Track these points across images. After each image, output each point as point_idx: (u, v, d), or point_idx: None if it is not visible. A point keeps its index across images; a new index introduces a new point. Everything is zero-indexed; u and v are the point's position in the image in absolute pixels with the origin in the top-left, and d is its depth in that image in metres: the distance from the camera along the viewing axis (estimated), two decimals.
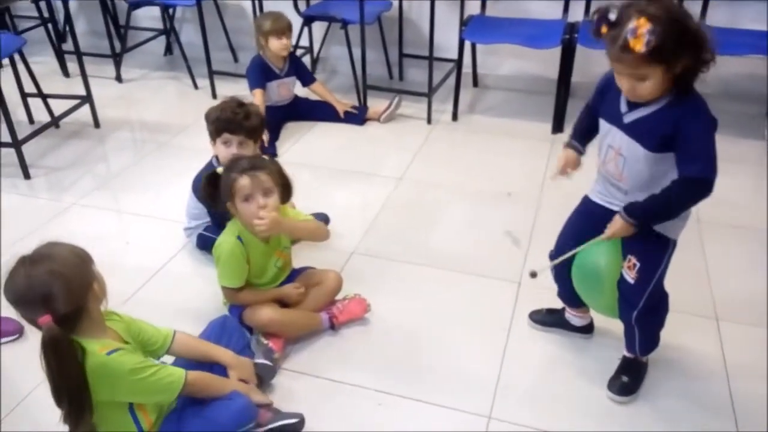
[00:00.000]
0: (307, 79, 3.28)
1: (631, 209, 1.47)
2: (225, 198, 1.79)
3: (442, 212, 2.57)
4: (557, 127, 3.17)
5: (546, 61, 3.41)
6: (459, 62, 3.26)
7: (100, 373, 1.32)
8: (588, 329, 1.92)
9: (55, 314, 1.26)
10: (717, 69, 3.06)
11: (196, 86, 3.67)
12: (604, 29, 1.36)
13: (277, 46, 3.05)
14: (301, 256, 2.16)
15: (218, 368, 1.62)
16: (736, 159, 2.90)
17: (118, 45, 3.79)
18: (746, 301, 2.06)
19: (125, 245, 2.37)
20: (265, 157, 1.89)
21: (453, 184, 2.76)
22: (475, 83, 3.71)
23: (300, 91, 3.31)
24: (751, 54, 2.92)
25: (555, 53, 3.09)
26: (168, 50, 4.13)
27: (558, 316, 1.94)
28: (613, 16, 1.33)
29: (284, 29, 3.05)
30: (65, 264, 1.31)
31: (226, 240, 1.82)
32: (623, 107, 1.48)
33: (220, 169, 1.83)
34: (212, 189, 1.82)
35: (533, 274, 1.64)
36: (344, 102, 3.31)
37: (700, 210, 2.51)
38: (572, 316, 1.91)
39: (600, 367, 1.80)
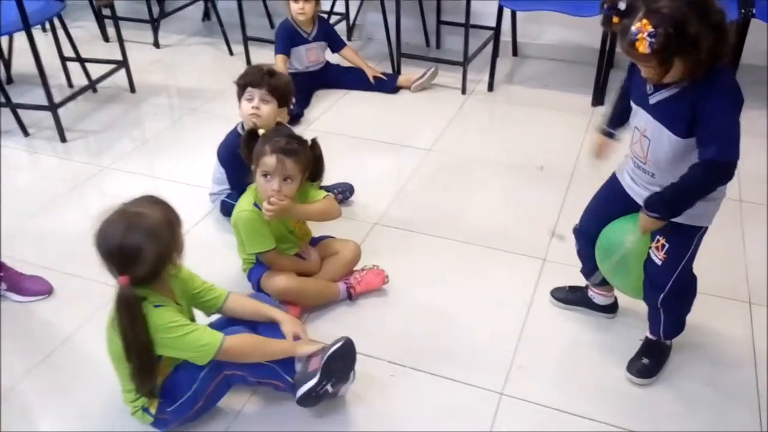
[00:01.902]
0: (337, 44, 3.23)
1: (649, 203, 1.41)
2: (252, 162, 1.79)
3: (470, 185, 2.52)
4: (597, 100, 3.05)
5: (589, 30, 3.28)
6: (497, 30, 3.16)
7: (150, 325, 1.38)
8: (612, 309, 1.86)
9: (133, 276, 1.34)
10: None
11: (231, 52, 3.67)
12: (615, 20, 1.28)
13: (294, 8, 3.01)
14: (324, 225, 2.16)
15: (264, 329, 1.61)
16: (762, 132, 2.74)
17: (156, 10, 3.81)
18: None
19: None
20: (301, 138, 1.83)
21: (484, 156, 2.69)
22: (515, 52, 3.60)
23: (331, 58, 3.27)
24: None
25: (598, 21, 2.95)
26: (206, 15, 4.14)
27: (581, 294, 1.89)
28: (622, 5, 1.25)
29: None
30: (158, 231, 1.36)
31: (242, 208, 1.82)
32: (648, 88, 1.40)
33: (262, 131, 1.83)
34: (247, 148, 1.81)
35: (560, 237, 1.58)
36: (374, 68, 3.26)
37: (743, 189, 2.39)
38: (596, 295, 1.85)
39: (622, 348, 1.75)
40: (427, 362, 1.74)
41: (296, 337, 1.60)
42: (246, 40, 3.50)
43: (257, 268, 1.89)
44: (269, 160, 1.73)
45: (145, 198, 1.42)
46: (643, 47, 1.22)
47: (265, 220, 1.80)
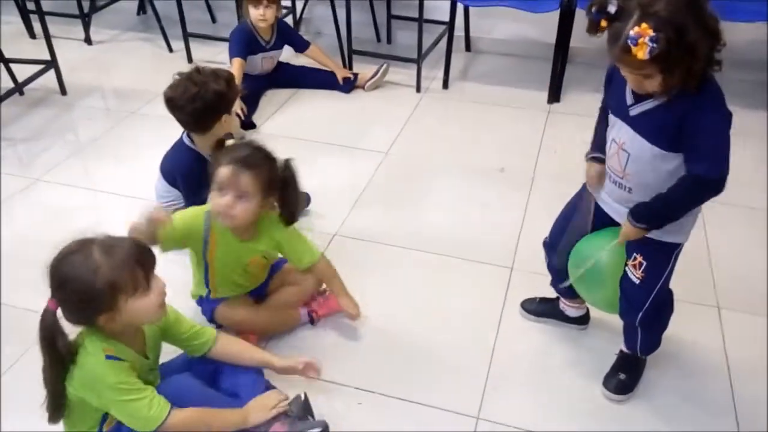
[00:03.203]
0: (300, 45, 3.06)
1: (636, 213, 1.35)
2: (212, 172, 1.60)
3: (431, 190, 2.43)
4: (554, 96, 3.00)
5: (543, 25, 3.21)
6: (451, 25, 3.07)
7: (85, 372, 1.26)
8: (583, 320, 1.81)
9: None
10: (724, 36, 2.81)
11: (170, 49, 3.45)
12: (603, 23, 1.21)
13: (254, 15, 2.83)
14: None
15: (226, 377, 1.52)
16: (737, 131, 2.74)
17: (87, 4, 3.55)
18: (748, 288, 1.96)
19: (95, 225, 2.20)
20: (270, 155, 1.64)
21: (443, 158, 2.61)
22: (468, 47, 3.52)
23: (282, 55, 3.11)
24: (752, 20, 2.75)
25: (553, 16, 2.91)
26: (141, 9, 3.89)
27: (552, 306, 1.83)
28: (612, 8, 1.17)
29: None
30: (79, 283, 1.20)
31: (194, 212, 1.65)
32: (629, 99, 1.33)
33: (230, 142, 1.66)
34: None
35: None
36: (344, 69, 3.12)
37: None
38: (567, 307, 1.80)
39: (595, 361, 1.70)
40: (397, 387, 1.64)
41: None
42: (186, 36, 3.29)
43: (208, 302, 1.74)
44: (223, 171, 1.54)
45: (123, 244, 1.27)
46: (642, 53, 1.13)
47: (191, 231, 1.61)
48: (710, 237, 2.16)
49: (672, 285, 1.55)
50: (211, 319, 1.74)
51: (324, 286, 1.85)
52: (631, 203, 1.39)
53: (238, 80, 2.70)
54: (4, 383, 1.64)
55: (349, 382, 1.65)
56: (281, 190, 1.63)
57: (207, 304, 1.74)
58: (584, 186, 1.58)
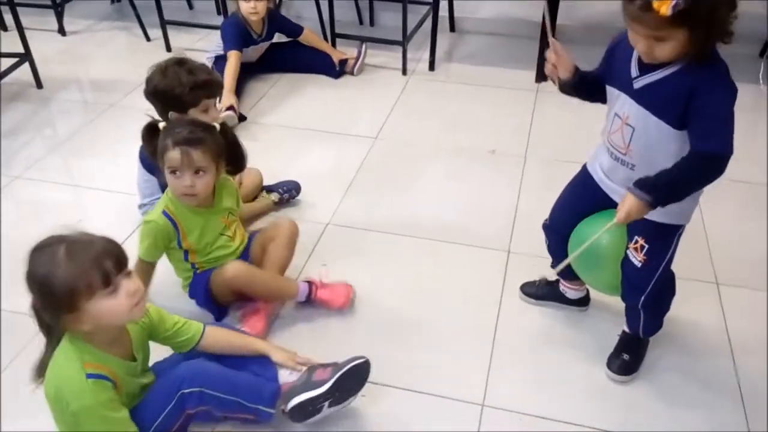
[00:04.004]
0: (294, 31, 2.99)
1: (642, 182, 1.27)
2: (158, 160, 1.63)
3: (422, 174, 2.39)
4: (541, 75, 2.96)
5: (529, 3, 3.19)
6: (435, 5, 3.01)
7: (58, 378, 1.21)
8: (584, 302, 1.80)
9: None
10: None
11: (147, 38, 3.35)
12: None
13: (245, 9, 2.74)
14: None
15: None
16: None
17: None
18: (746, 263, 1.95)
19: (77, 223, 2.13)
20: (216, 125, 1.68)
21: (433, 141, 2.56)
22: (453, 28, 3.46)
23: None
24: None
25: None
26: None
27: (552, 289, 1.80)
28: None
29: None
30: (40, 284, 1.16)
31: (150, 218, 1.66)
32: (633, 71, 1.30)
33: (162, 124, 1.65)
34: (151, 145, 1.64)
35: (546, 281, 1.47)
36: (338, 51, 3.05)
37: None
38: (567, 289, 1.78)
39: (597, 343, 1.69)
40: (400, 377, 1.61)
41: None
42: (164, 23, 3.19)
43: (199, 278, 1.71)
44: (173, 155, 1.57)
45: (84, 243, 1.21)
46: (666, 7, 1.09)
47: (166, 237, 1.65)
48: (705, 212, 2.15)
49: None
50: (206, 301, 1.70)
51: (322, 276, 1.81)
52: (629, 181, 1.35)
53: (235, 73, 2.68)
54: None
55: None
56: (228, 152, 1.67)
57: (198, 283, 1.71)
58: (584, 167, 1.56)
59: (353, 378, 1.44)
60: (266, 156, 2.45)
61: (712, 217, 2.13)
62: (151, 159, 1.68)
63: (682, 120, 1.25)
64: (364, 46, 3.03)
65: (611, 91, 1.37)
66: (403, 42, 2.98)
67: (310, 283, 1.78)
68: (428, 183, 2.34)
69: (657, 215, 1.36)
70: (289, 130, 2.65)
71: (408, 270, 1.95)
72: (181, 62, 1.91)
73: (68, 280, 1.14)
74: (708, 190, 2.20)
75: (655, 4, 1.10)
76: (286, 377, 1.43)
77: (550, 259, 1.72)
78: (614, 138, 1.38)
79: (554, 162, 1.57)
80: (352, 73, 3.01)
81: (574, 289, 1.77)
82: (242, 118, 2.66)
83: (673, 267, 1.54)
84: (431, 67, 3.09)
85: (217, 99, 1.96)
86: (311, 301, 1.78)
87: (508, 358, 1.68)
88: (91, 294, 1.16)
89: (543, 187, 1.64)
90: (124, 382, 1.28)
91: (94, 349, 1.23)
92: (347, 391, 1.44)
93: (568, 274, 1.66)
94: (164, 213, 1.65)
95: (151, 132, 1.65)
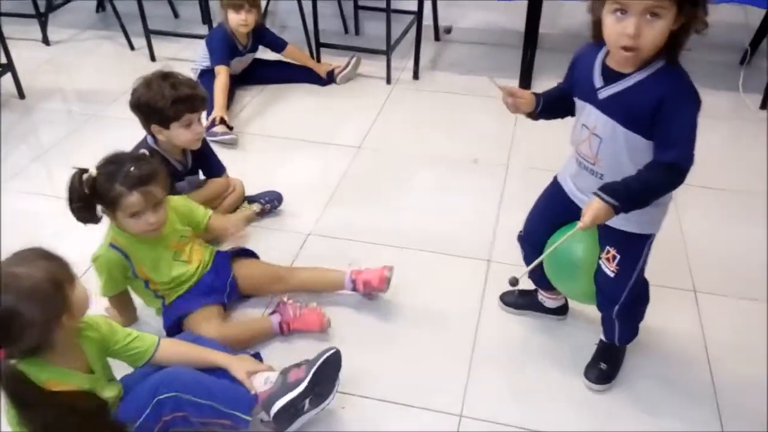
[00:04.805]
0: (277, 46, 2.99)
1: (609, 189, 1.27)
2: (103, 204, 1.56)
3: (404, 183, 2.39)
4: (525, 83, 2.99)
5: (512, 12, 3.20)
6: (419, 14, 3.03)
7: None
8: (562, 311, 1.81)
9: (15, 348, 1.18)
10: None
11: (132, 47, 3.35)
12: None
13: (234, 21, 2.74)
14: (246, 240, 2.01)
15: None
16: (709, 113, 2.74)
17: (43, 3, 3.42)
18: (724, 270, 1.97)
19: (52, 236, 2.13)
20: (144, 151, 1.71)
21: (415, 151, 2.57)
22: (437, 37, 3.48)
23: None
24: (726, 2, 2.77)
25: (521, 3, 2.88)
26: (100, 6, 3.76)
27: (530, 298, 1.81)
28: None
29: (242, 2, 2.69)
30: (37, 293, 1.14)
31: (99, 254, 1.63)
32: (597, 81, 1.31)
33: (93, 171, 1.55)
34: (88, 197, 1.54)
35: (514, 282, 1.47)
36: (325, 63, 3.06)
37: None
38: (546, 298, 1.79)
39: (575, 352, 1.70)
40: (379, 389, 1.61)
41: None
42: (148, 33, 3.19)
43: (169, 314, 1.70)
44: (133, 200, 1.52)
45: (28, 252, 1.20)
46: None
47: (122, 267, 1.62)
48: (683, 220, 2.17)
49: (647, 270, 1.55)
50: (174, 329, 1.68)
51: (287, 297, 1.80)
52: None
53: (225, 88, 2.68)
54: None
55: None
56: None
57: (169, 316, 1.69)
58: (555, 178, 1.57)
59: (328, 369, 1.44)
60: (249, 166, 2.46)
61: (691, 225, 2.15)
62: (81, 213, 1.56)
63: (648, 130, 1.26)
64: (356, 57, 3.04)
65: (577, 102, 1.39)
66: (387, 51, 2.99)
67: (280, 322, 1.73)
68: (411, 192, 2.35)
69: (627, 225, 1.37)
70: (271, 139, 2.65)
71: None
72: (166, 76, 1.92)
73: (68, 278, 1.20)
74: (687, 198, 2.26)
75: None
76: (261, 386, 1.42)
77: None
78: (582, 148, 1.40)
79: (536, 171, 1.58)
80: (336, 82, 3.01)
81: (552, 299, 1.78)
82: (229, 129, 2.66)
83: (651, 275, 1.55)
84: (415, 76, 3.10)
85: (202, 114, 1.96)
86: (283, 333, 1.74)
87: (486, 368, 1.68)
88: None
89: (524, 197, 1.65)
90: None
91: (53, 366, 1.22)
92: (325, 384, 1.44)
93: (546, 283, 1.67)
94: (112, 246, 1.61)
95: (85, 184, 1.53)
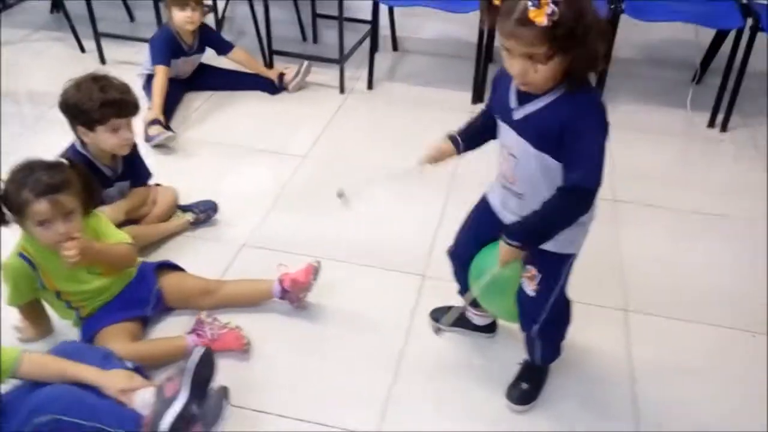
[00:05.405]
0: (223, 48, 2.94)
1: (509, 230, 1.31)
2: (10, 210, 1.50)
3: (348, 195, 2.35)
4: (477, 97, 2.98)
5: (470, 24, 3.18)
6: (374, 24, 3.01)
7: None
8: (491, 329, 1.79)
9: None
10: (642, 34, 2.84)
11: (83, 49, 3.29)
12: (497, 1, 1.16)
13: (180, 18, 2.69)
14: (178, 250, 1.95)
15: None
16: (658, 130, 2.81)
17: None
18: (659, 290, 1.96)
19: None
20: (63, 160, 1.60)
21: (362, 162, 2.55)
22: (395, 47, 3.47)
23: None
24: (677, 20, 2.79)
25: (477, 15, 2.87)
26: (54, 7, 3.68)
27: (460, 315, 1.79)
28: None
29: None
30: None
31: (7, 262, 1.57)
32: (512, 102, 1.29)
33: (4, 175, 1.50)
34: None
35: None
36: (271, 70, 3.01)
37: (617, 188, 2.39)
38: (474, 316, 1.77)
39: (500, 371, 1.67)
40: (294, 407, 1.58)
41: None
42: (98, 35, 3.14)
43: (87, 330, 1.65)
44: (40, 208, 1.45)
45: None
46: (541, 17, 1.08)
47: (29, 278, 1.57)
48: (622, 237, 2.16)
49: (580, 288, 1.53)
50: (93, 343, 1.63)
51: (205, 314, 1.74)
52: (526, 210, 1.35)
53: (162, 89, 2.62)
54: None
55: (243, 404, 1.57)
56: (84, 192, 1.57)
57: (85, 328, 1.65)
58: (484, 195, 1.55)
59: (202, 371, 1.40)
60: (189, 173, 2.41)
61: (632, 244, 2.14)
62: None
63: (559, 152, 1.24)
64: (306, 63, 3.01)
65: (498, 122, 1.37)
66: (340, 60, 2.97)
67: (196, 344, 1.65)
68: (354, 204, 2.31)
69: (547, 245, 1.36)
70: (215, 146, 2.61)
71: (320, 294, 1.90)
72: (97, 78, 1.88)
73: None
74: (631, 216, 2.26)
75: (531, 14, 1.09)
76: (140, 408, 1.37)
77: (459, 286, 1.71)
78: (503, 168, 1.38)
79: (481, 185, 1.56)
80: (288, 90, 2.98)
81: (480, 316, 1.76)
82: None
83: (583, 292, 1.54)
84: (370, 86, 3.08)
85: (130, 120, 1.90)
86: None
87: (409, 386, 1.65)
88: None
89: (466, 211, 1.63)
90: None
91: None
92: (204, 384, 1.40)
93: (474, 301, 1.65)
94: (21, 255, 1.55)
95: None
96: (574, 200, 1.24)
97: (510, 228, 1.32)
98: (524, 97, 1.27)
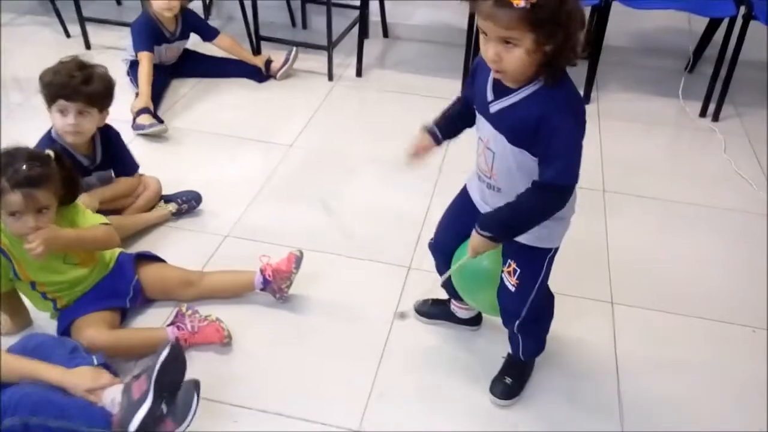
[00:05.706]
0: (208, 34, 2.89)
1: (482, 221, 1.29)
2: None
3: (334, 185, 2.33)
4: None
5: (461, 11, 3.14)
6: (362, 10, 2.96)
7: None
8: (475, 321, 1.77)
9: None
10: (635, 22, 2.78)
11: (68, 34, 3.24)
12: None
13: (159, 5, 2.65)
14: (160, 241, 1.92)
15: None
16: (649, 119, 2.78)
17: None
18: (644, 282, 1.94)
19: None
20: (50, 152, 1.55)
21: (350, 151, 2.51)
22: (386, 33, 3.42)
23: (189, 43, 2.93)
24: (670, 9, 2.75)
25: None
26: None
27: (444, 308, 1.77)
28: None
29: None
30: None
31: None
32: (489, 95, 1.26)
33: None
34: None
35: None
36: (257, 57, 2.96)
37: (606, 178, 2.36)
38: (458, 309, 1.75)
39: (484, 364, 1.66)
40: (274, 402, 1.56)
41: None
42: (82, 20, 3.08)
43: (62, 321, 1.62)
44: (14, 199, 1.43)
45: None
46: None
47: (1, 261, 1.54)
48: (610, 228, 2.14)
49: (566, 280, 1.51)
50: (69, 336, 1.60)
51: (185, 307, 1.71)
52: (502, 203, 1.32)
53: (148, 76, 2.57)
54: None
55: (224, 399, 1.55)
56: (64, 185, 1.54)
57: (61, 319, 1.62)
58: (464, 187, 1.52)
59: (170, 368, 1.36)
60: (174, 161, 2.38)
61: (618, 235, 2.12)
62: None
63: (534, 147, 1.22)
64: (294, 50, 2.96)
65: (476, 113, 1.34)
66: (329, 47, 2.92)
67: (177, 337, 1.63)
68: (339, 194, 2.29)
69: (524, 238, 1.33)
70: (200, 135, 2.57)
71: (302, 285, 1.88)
72: (68, 61, 1.87)
73: None
74: (617, 205, 2.23)
75: None
76: (109, 405, 1.34)
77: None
78: (480, 161, 1.36)
79: (467, 176, 1.54)
80: (275, 78, 2.94)
81: (463, 309, 1.74)
82: (159, 121, 2.57)
83: (569, 284, 1.53)
84: (358, 73, 3.04)
85: (80, 106, 1.82)
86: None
87: (392, 380, 1.63)
88: None
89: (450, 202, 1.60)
90: None
91: None
92: (172, 381, 1.37)
93: (457, 294, 1.63)
94: None
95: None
96: (547, 197, 1.22)
97: (482, 218, 1.30)
98: (500, 91, 1.24)
